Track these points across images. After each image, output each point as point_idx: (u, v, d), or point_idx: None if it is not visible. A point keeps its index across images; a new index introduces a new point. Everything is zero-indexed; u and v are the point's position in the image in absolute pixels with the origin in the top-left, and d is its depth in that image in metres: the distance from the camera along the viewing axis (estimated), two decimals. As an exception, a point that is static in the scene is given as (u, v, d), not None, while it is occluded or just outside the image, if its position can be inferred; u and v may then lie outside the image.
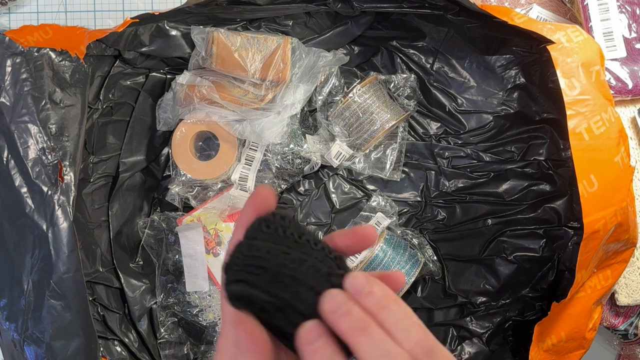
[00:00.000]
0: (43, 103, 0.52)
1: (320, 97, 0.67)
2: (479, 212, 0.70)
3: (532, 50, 0.64)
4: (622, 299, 0.64)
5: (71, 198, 0.51)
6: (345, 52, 0.69)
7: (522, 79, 0.68)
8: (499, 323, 0.68)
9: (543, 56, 0.62)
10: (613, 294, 0.64)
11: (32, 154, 0.51)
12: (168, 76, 0.69)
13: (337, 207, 0.72)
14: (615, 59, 0.61)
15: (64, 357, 0.50)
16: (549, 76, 0.64)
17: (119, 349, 0.63)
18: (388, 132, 0.67)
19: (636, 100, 0.64)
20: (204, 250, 0.67)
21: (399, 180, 0.71)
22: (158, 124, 0.67)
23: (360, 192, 0.72)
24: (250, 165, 0.68)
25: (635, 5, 0.62)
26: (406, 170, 0.71)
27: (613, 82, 0.61)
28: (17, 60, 0.51)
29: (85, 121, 0.55)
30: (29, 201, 0.50)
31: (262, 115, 0.63)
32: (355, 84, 0.65)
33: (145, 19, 0.59)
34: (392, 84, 0.69)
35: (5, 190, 0.51)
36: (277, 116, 0.63)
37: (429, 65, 0.69)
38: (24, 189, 0.51)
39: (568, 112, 0.51)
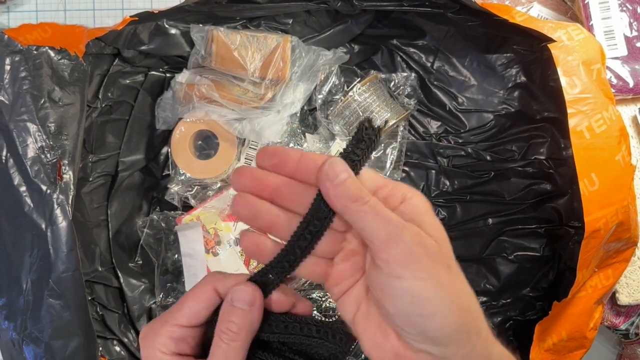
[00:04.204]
0: (42, 102, 0.51)
1: (320, 96, 0.67)
2: (480, 211, 0.70)
3: (532, 49, 0.64)
4: (623, 299, 0.63)
5: (70, 197, 0.51)
6: (345, 50, 0.69)
7: (523, 78, 0.67)
8: (500, 323, 0.68)
9: (544, 54, 0.61)
10: (614, 294, 0.64)
11: (31, 152, 0.50)
12: (167, 75, 0.68)
13: (337, 206, 0.71)
14: (616, 58, 0.61)
15: (63, 356, 0.50)
16: (550, 75, 0.63)
17: (118, 348, 0.63)
18: (388, 131, 0.66)
19: (637, 99, 0.64)
20: (203, 250, 0.66)
21: (399, 179, 0.70)
22: (157, 123, 0.67)
23: (360, 191, 0.72)
24: (250, 164, 0.67)
25: (636, 3, 0.61)
26: (406, 169, 0.71)
27: (614, 80, 0.61)
28: (16, 59, 0.51)
29: (84, 120, 0.54)
30: (28, 200, 0.50)
31: (262, 114, 0.63)
32: (355, 82, 0.65)
33: (145, 18, 0.59)
34: (393, 83, 0.68)
35: (4, 189, 0.51)
36: (276, 115, 0.63)
37: (429, 64, 0.69)
38: (23, 188, 0.50)
39: (569, 111, 0.51)
